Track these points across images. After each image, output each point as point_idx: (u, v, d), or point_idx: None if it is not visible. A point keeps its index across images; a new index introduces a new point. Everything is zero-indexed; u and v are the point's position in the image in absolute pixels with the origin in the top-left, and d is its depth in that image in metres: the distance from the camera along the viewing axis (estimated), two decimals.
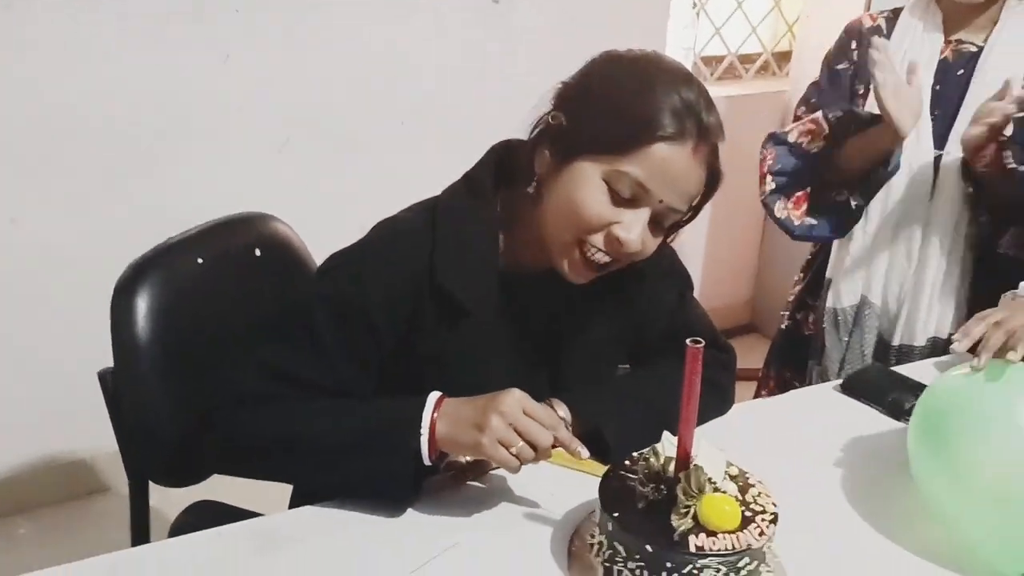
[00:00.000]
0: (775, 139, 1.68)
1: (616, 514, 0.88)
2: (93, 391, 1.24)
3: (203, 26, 2.06)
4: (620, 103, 1.00)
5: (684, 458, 0.89)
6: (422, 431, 0.97)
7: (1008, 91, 1.44)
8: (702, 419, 1.14)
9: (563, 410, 1.11)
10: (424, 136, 2.41)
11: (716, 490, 0.89)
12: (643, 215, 1.02)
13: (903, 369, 1.40)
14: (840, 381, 1.34)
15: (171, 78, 2.06)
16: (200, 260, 1.31)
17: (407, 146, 2.40)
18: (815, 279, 1.81)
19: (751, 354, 2.07)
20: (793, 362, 1.84)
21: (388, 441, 0.99)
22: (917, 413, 1.05)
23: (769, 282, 3.27)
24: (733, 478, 0.94)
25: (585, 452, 0.97)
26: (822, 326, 1.73)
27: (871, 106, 1.60)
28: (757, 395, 1.93)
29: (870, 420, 1.26)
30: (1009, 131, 1.53)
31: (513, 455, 0.95)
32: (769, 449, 1.10)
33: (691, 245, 3.17)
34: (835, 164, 1.63)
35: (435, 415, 0.98)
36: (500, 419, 0.95)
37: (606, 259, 1.04)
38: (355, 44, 2.26)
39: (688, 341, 0.85)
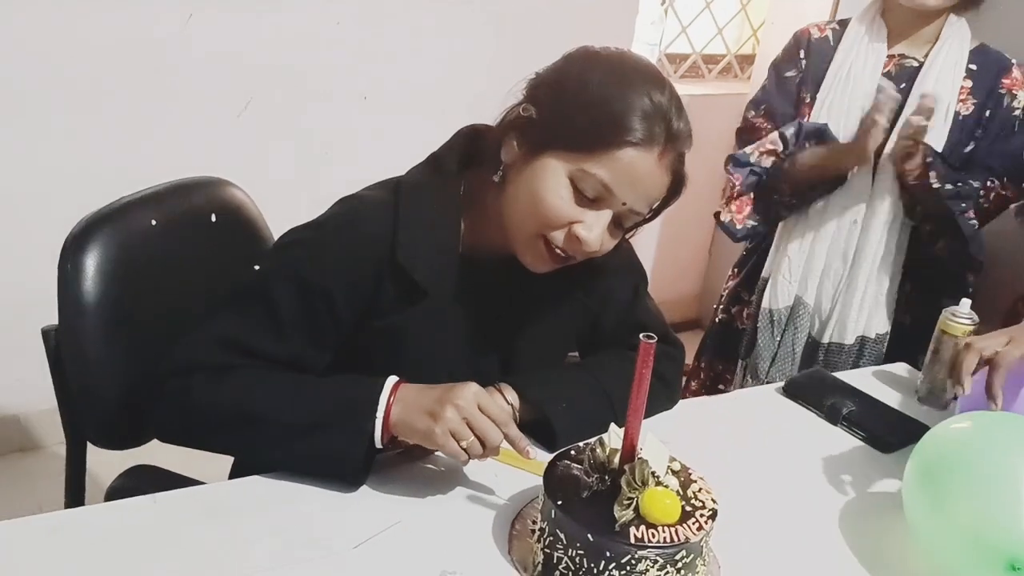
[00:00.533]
0: (736, 161, 1.74)
1: (560, 502, 0.89)
2: (35, 348, 1.21)
3: None
4: (591, 103, 1.00)
5: (630, 451, 0.91)
6: (377, 414, 0.98)
7: (925, 105, 1.49)
8: (649, 412, 1.16)
9: (512, 395, 1.12)
10: (384, 112, 2.39)
11: (659, 484, 0.91)
12: (605, 216, 1.02)
13: (842, 375, 1.44)
14: (782, 384, 1.37)
15: (133, 36, 2.01)
16: (154, 222, 1.29)
17: (367, 121, 2.38)
18: (750, 275, 1.88)
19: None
20: (725, 355, 1.90)
21: (343, 422, 0.99)
22: (916, 459, 1.03)
23: (717, 279, 3.32)
24: (675, 473, 0.95)
25: (532, 452, 0.99)
26: (756, 324, 1.78)
27: (817, 117, 1.67)
28: (687, 386, 1.97)
29: (809, 423, 1.29)
30: (940, 147, 1.59)
31: (463, 448, 0.96)
32: (712, 446, 1.13)
33: (644, 239, 3.21)
34: (784, 172, 1.67)
35: (391, 399, 0.98)
36: (455, 411, 0.96)
37: (566, 254, 1.05)
38: (322, 12, 2.23)
39: (641, 336, 0.86)
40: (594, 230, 1.02)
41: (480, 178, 1.09)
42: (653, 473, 0.91)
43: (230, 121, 2.20)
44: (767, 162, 1.71)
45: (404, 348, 1.09)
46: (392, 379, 1.00)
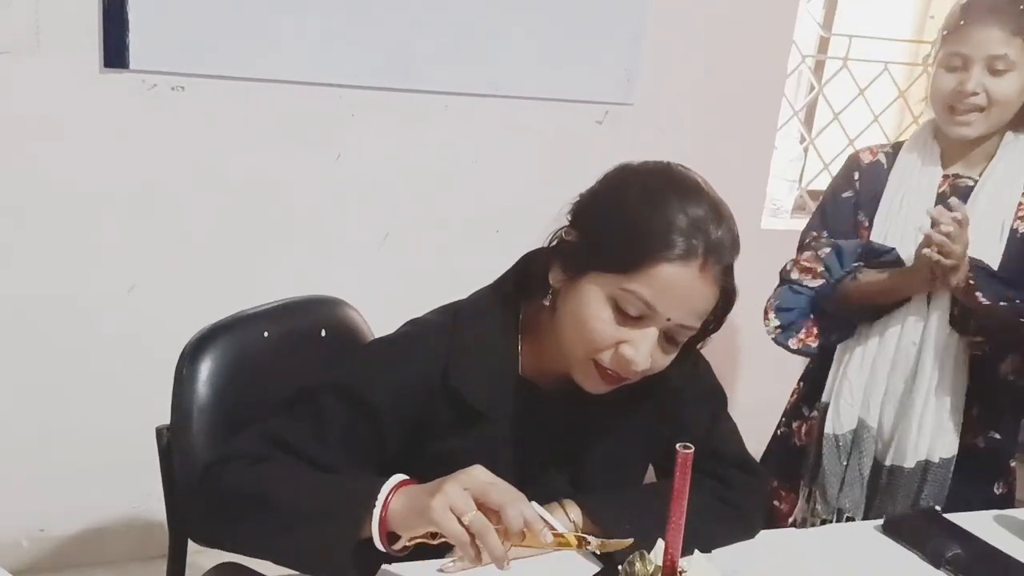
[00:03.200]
0: (780, 278, 1.76)
1: None
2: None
3: (319, 127, 2.22)
4: (625, 222, 1.01)
5: (670, 567, 0.88)
6: (375, 505, 0.92)
7: (945, 215, 1.46)
8: (721, 542, 1.14)
9: (575, 511, 1.11)
10: (517, 247, 2.48)
11: None
12: (651, 334, 1.02)
13: (956, 516, 1.33)
14: (882, 521, 1.28)
15: (288, 170, 2.22)
16: (266, 334, 1.39)
17: (499, 256, 2.47)
18: (812, 389, 1.82)
19: None
20: (782, 471, 1.84)
21: (337, 513, 0.94)
22: None
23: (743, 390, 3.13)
24: None
25: (549, 536, 0.92)
26: (820, 449, 1.73)
27: (877, 237, 1.68)
28: None
29: (909, 565, 1.19)
30: (995, 264, 1.58)
31: (464, 526, 0.88)
32: None
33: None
34: (844, 293, 1.67)
35: (392, 495, 0.94)
36: (455, 484, 0.90)
37: (617, 375, 1.05)
38: (459, 151, 2.38)
39: (678, 446, 0.85)
40: (641, 349, 1.01)
41: (534, 302, 1.11)
42: None
43: (371, 251, 2.36)
44: (812, 282, 1.70)
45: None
46: (398, 476, 0.96)
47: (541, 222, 2.63)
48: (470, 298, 1.17)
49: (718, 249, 1.01)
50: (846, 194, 1.76)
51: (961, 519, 1.30)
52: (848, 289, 1.67)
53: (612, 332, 1.02)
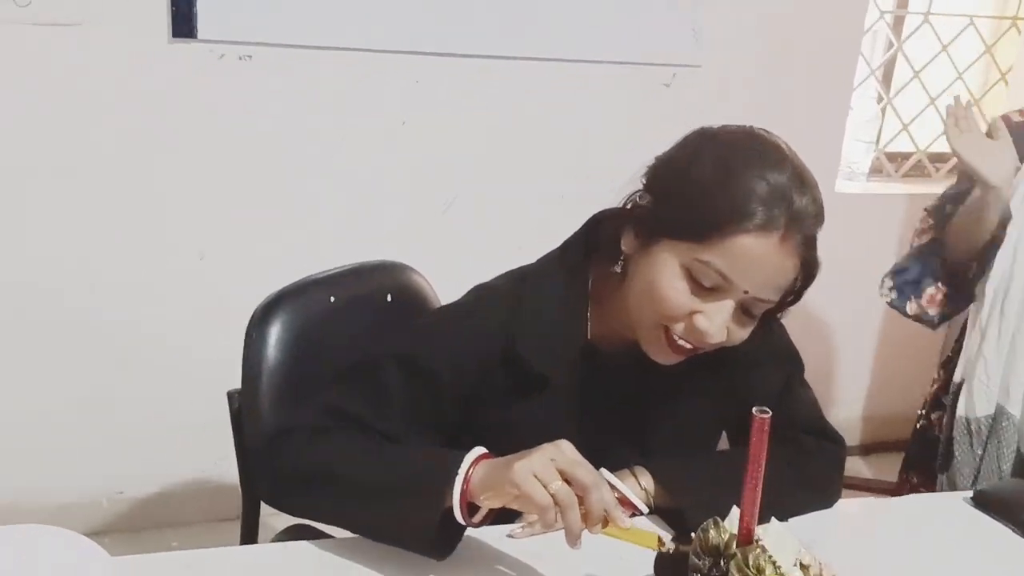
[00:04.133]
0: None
1: None
2: None
3: (384, 94, 2.22)
4: (703, 188, 0.97)
5: (746, 535, 0.85)
6: (456, 479, 0.90)
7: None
8: (797, 511, 1.10)
9: (646, 479, 1.09)
10: (582, 213, 2.45)
11: (780, 574, 0.84)
12: (727, 306, 0.98)
13: None
14: (971, 492, 1.23)
15: (354, 137, 2.22)
16: (332, 299, 1.40)
17: (565, 221, 2.44)
18: (950, 376, 1.69)
19: None
20: (922, 467, 1.74)
21: (417, 487, 0.93)
22: None
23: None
24: (804, 567, 0.88)
25: (627, 521, 0.89)
26: (951, 434, 1.60)
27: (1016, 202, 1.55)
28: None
29: (1000, 539, 1.14)
30: None
31: (551, 494, 0.85)
32: (871, 553, 1.03)
33: (861, 349, 3.01)
34: (949, 246, 1.60)
35: (473, 468, 0.91)
36: (542, 454, 0.88)
37: (691, 345, 1.01)
38: (524, 116, 2.35)
39: (754, 410, 0.82)
40: (715, 321, 0.98)
41: (604, 267, 1.08)
42: (773, 562, 0.84)
43: (435, 216, 2.35)
44: (922, 239, 1.64)
45: (522, 441, 1.03)
46: (480, 449, 0.94)
47: (607, 187, 2.58)
48: (537, 263, 1.14)
49: (801, 219, 0.96)
50: None
51: None
52: (951, 227, 1.59)
53: (686, 302, 0.98)
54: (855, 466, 3.05)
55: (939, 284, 1.63)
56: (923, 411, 1.79)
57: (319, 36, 2.09)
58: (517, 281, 1.11)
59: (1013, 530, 1.15)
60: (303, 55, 2.10)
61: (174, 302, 2.18)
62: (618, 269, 1.05)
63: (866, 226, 2.80)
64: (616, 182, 2.52)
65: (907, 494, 1.76)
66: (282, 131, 2.15)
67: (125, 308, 2.14)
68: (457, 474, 0.91)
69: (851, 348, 2.99)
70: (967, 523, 1.17)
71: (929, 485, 1.71)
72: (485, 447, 0.99)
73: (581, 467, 0.89)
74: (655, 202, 1.02)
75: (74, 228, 2.06)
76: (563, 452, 0.89)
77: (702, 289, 0.98)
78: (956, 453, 1.61)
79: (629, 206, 1.05)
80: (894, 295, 1.65)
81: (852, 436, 3.14)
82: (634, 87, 2.43)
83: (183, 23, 1.98)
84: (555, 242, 2.26)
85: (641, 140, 2.62)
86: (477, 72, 2.27)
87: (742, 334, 1.02)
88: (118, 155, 2.04)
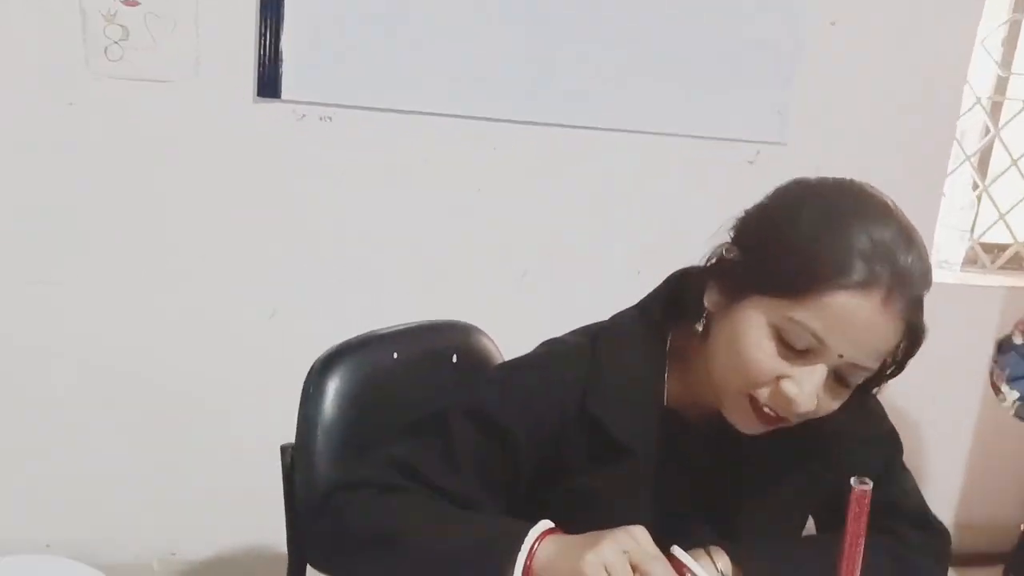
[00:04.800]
0: (1001, 348, 1.53)
1: None
2: None
3: (462, 160, 2.20)
4: (799, 242, 0.89)
5: None
6: (519, 555, 0.85)
7: None
8: None
9: (723, 561, 0.98)
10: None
11: None
12: (819, 371, 0.89)
13: None
14: None
15: (429, 202, 2.21)
16: (396, 355, 1.35)
17: (640, 298, 2.38)
18: None
19: None
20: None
21: (478, 561, 0.88)
22: None
23: None
24: None
25: None
26: None
27: None
28: None
29: None
30: None
31: None
32: None
33: (953, 449, 2.83)
34: None
35: (538, 543, 0.87)
36: (614, 544, 0.82)
37: (776, 414, 0.92)
38: (601, 188, 2.31)
39: (853, 480, 0.73)
40: (805, 387, 0.88)
41: (685, 326, 1.00)
42: None
43: (508, 289, 2.30)
44: None
45: (599, 510, 0.99)
46: (546, 523, 0.89)
47: (685, 264, 2.51)
48: (613, 319, 1.07)
49: (906, 278, 0.87)
50: None
51: None
52: None
53: (773, 365, 0.89)
54: None
55: None
56: None
57: (397, 100, 2.09)
58: (591, 338, 1.04)
59: None
60: (381, 118, 2.10)
61: (243, 358, 2.16)
62: (700, 327, 0.97)
63: (961, 319, 2.66)
64: (695, 259, 2.44)
65: None
66: (356, 193, 2.15)
67: (192, 361, 2.13)
68: (520, 550, 0.85)
69: (943, 448, 2.81)
70: None
71: None
72: (557, 513, 0.93)
73: (657, 563, 0.82)
74: (744, 255, 0.94)
75: (147, 282, 2.07)
76: (638, 542, 0.83)
77: (792, 352, 0.89)
78: None
79: (713, 260, 0.97)
80: (1019, 406, 1.52)
81: None
82: (717, 163, 2.38)
83: (268, 84, 2.01)
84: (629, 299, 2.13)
85: (722, 216, 2.57)
86: (555, 140, 2.24)
87: (833, 404, 0.92)
88: (199, 208, 2.06)
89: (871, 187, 0.95)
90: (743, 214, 0.99)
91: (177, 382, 2.13)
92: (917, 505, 1.07)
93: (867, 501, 0.73)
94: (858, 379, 0.92)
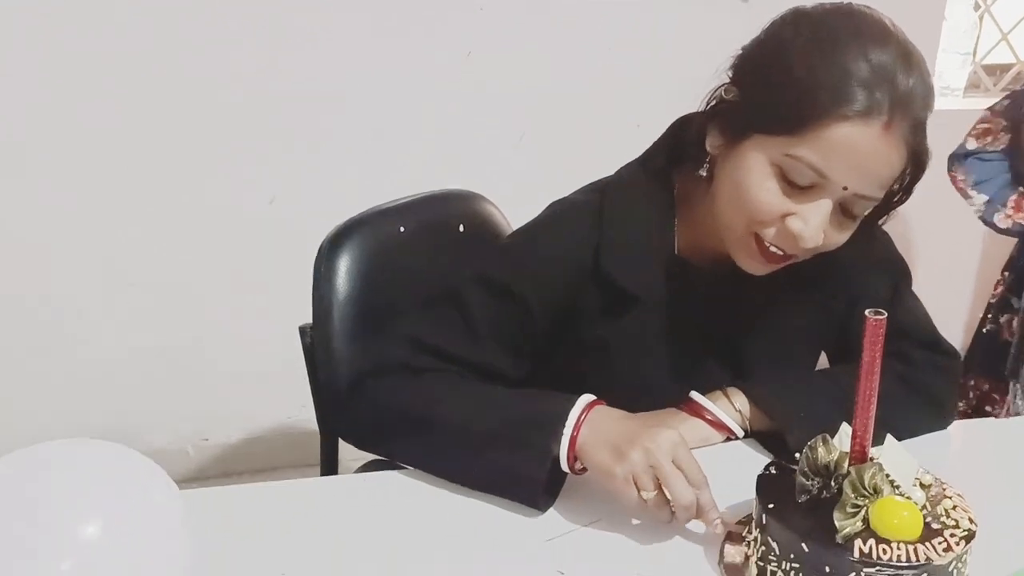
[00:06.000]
0: (956, 157, 1.54)
1: (771, 505, 0.77)
2: None
3: (448, 25, 2.14)
4: (795, 74, 0.86)
5: (860, 452, 0.77)
6: (564, 433, 0.87)
7: None
8: (913, 431, 1.02)
9: (741, 400, 1.01)
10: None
11: (899, 494, 0.76)
12: (824, 206, 0.88)
13: None
14: None
15: (417, 72, 2.15)
16: (402, 228, 1.35)
17: (640, 150, 2.35)
18: (1019, 278, 1.62)
19: None
20: (993, 372, 1.66)
21: (526, 439, 0.89)
22: None
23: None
24: (925, 487, 0.80)
25: (721, 528, 0.84)
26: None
27: None
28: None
29: None
30: None
31: (643, 499, 0.83)
32: (991, 474, 0.95)
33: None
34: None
35: (582, 418, 0.88)
36: (643, 456, 0.83)
37: (784, 252, 0.92)
38: (593, 39, 2.25)
39: (868, 312, 0.74)
40: (811, 223, 0.88)
41: (690, 173, 0.99)
42: (891, 480, 0.76)
43: (506, 151, 2.28)
44: (997, 144, 1.53)
45: (614, 359, 1.01)
46: (587, 397, 0.90)
47: (684, 112, 2.47)
48: (618, 173, 1.06)
49: (907, 102, 0.85)
50: None
51: None
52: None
53: (778, 204, 0.89)
54: None
55: (1020, 188, 1.52)
56: (990, 315, 1.69)
57: None
58: (597, 194, 1.03)
59: None
60: None
61: (246, 244, 2.17)
62: (704, 173, 0.96)
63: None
64: (693, 105, 2.40)
65: (977, 400, 1.69)
66: (343, 64, 2.10)
67: (200, 247, 2.15)
68: (564, 430, 0.87)
69: (923, 260, 2.83)
70: None
71: (998, 388, 1.63)
72: (570, 362, 0.98)
73: (680, 474, 0.83)
74: (743, 95, 0.92)
75: (146, 174, 2.06)
76: (664, 453, 0.83)
77: (796, 189, 0.88)
78: None
79: (713, 103, 0.95)
80: (985, 208, 1.53)
81: None
82: (710, 5, 2.30)
83: None
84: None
85: (716, 59, 2.51)
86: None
87: (841, 237, 0.92)
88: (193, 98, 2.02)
89: (869, 8, 0.92)
90: (741, 51, 0.96)
91: (182, 273, 2.15)
92: (926, 328, 1.08)
93: (882, 331, 0.74)
94: (865, 209, 0.92)
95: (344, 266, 1.28)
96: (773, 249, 0.92)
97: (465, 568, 0.84)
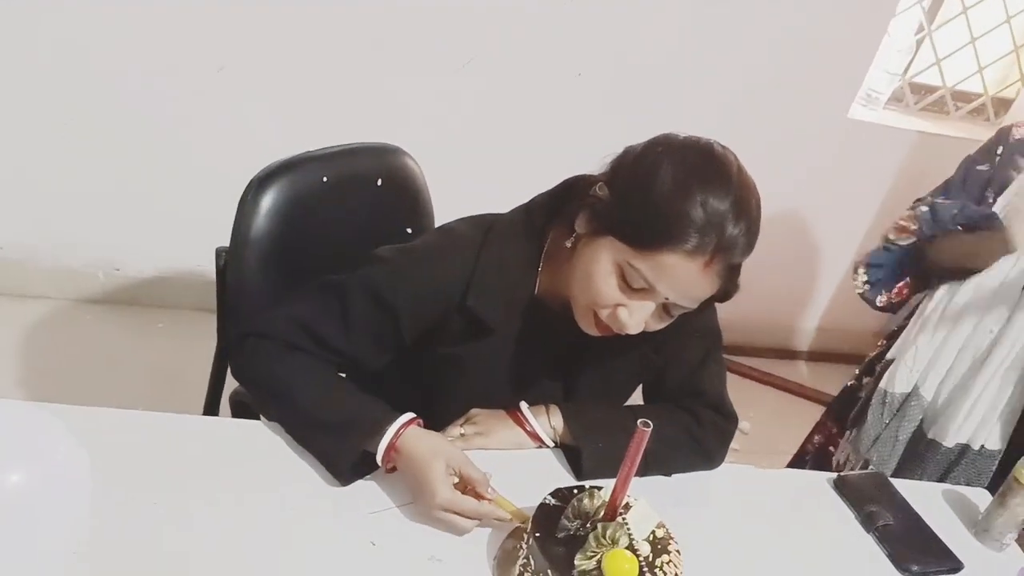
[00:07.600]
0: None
1: (537, 533, 1.03)
2: None
3: None
4: (650, 203, 1.06)
5: (611, 512, 1.03)
6: (380, 444, 1.10)
7: None
8: (685, 470, 1.28)
9: (556, 418, 1.26)
10: (598, 93, 2.49)
11: (631, 547, 1.02)
12: (648, 306, 1.11)
13: (912, 485, 1.44)
14: (834, 476, 1.41)
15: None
16: (325, 178, 1.48)
17: (579, 99, 2.48)
18: (886, 350, 1.84)
19: None
20: (842, 419, 1.91)
21: (348, 434, 1.12)
22: None
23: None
24: (654, 541, 1.06)
25: (504, 515, 1.10)
26: (869, 400, 1.79)
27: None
28: (810, 438, 2.01)
29: (844, 524, 1.32)
30: None
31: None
32: (729, 519, 1.22)
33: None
34: (928, 255, 1.66)
35: (401, 431, 1.10)
36: (441, 483, 1.07)
37: (613, 329, 1.14)
38: None
39: (640, 423, 0.96)
40: (635, 316, 1.11)
41: (560, 237, 1.18)
42: (629, 535, 1.02)
43: (450, 75, 2.39)
44: (902, 240, 1.69)
45: (466, 375, 1.24)
46: (407, 416, 1.12)
47: (621, 67, 2.60)
48: (504, 218, 1.23)
49: (728, 248, 1.06)
50: (982, 167, 1.69)
51: (909, 488, 1.42)
52: (933, 247, 1.63)
53: (614, 296, 1.10)
54: (799, 371, 3.28)
55: (907, 279, 1.72)
56: (858, 371, 1.94)
57: None
58: (482, 232, 1.21)
59: (856, 518, 1.33)
60: None
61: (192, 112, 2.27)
62: (569, 244, 1.16)
63: (871, 156, 2.85)
64: (632, 61, 2.51)
65: (820, 440, 1.98)
66: None
67: (143, 105, 2.25)
68: (383, 437, 1.10)
69: (830, 262, 3.11)
70: (823, 505, 1.36)
71: (843, 434, 1.90)
72: (434, 374, 1.21)
73: (469, 466, 1.10)
74: (612, 198, 1.10)
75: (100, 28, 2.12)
76: (442, 510, 1.08)
77: (630, 288, 1.10)
78: (868, 417, 1.78)
79: (591, 193, 1.13)
80: (867, 288, 1.74)
81: (804, 342, 3.34)
82: None
83: None
84: (568, 121, 2.29)
85: (664, 17, 2.56)
86: None
87: (659, 326, 1.15)
88: None
89: (726, 152, 1.10)
90: (622, 153, 1.14)
91: (131, 118, 2.26)
92: (718, 393, 1.32)
93: (646, 438, 0.96)
94: (680, 311, 1.14)
95: (267, 204, 1.41)
96: (606, 323, 1.14)
97: (300, 530, 1.05)
